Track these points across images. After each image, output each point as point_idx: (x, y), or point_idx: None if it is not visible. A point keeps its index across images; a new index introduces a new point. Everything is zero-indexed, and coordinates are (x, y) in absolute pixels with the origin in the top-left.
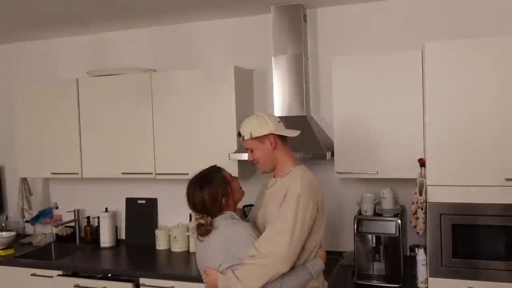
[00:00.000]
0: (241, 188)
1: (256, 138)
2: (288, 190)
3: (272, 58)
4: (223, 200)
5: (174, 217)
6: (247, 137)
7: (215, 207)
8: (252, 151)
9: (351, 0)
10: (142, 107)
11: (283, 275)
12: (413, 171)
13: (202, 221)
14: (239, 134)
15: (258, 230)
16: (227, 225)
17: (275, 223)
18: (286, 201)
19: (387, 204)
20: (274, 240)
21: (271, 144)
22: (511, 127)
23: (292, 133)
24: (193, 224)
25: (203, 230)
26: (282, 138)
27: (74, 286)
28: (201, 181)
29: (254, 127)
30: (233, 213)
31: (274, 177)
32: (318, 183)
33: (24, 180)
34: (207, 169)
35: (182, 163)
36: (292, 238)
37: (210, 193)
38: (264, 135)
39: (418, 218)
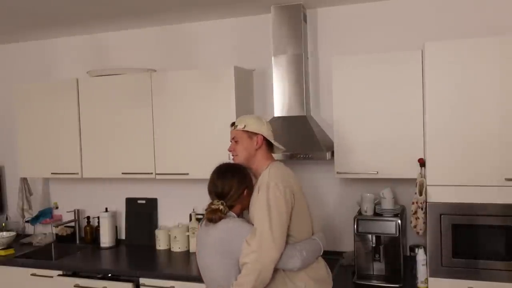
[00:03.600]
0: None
1: (247, 131)
2: (259, 183)
3: (272, 58)
4: (245, 191)
5: (174, 217)
6: (240, 127)
7: (237, 193)
8: (236, 142)
9: (351, 0)
10: (142, 107)
11: (296, 244)
12: (413, 171)
13: (221, 207)
14: (232, 124)
15: None
16: (225, 222)
17: (255, 216)
18: (259, 192)
19: (387, 204)
20: (257, 231)
21: (257, 143)
22: (511, 127)
23: (279, 145)
24: (193, 224)
25: (217, 216)
26: (268, 144)
27: (74, 286)
28: (237, 167)
29: (251, 122)
30: (234, 214)
31: (255, 177)
32: (290, 174)
33: (24, 180)
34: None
35: (182, 163)
36: (271, 225)
37: (240, 176)
38: (255, 133)
39: (418, 218)
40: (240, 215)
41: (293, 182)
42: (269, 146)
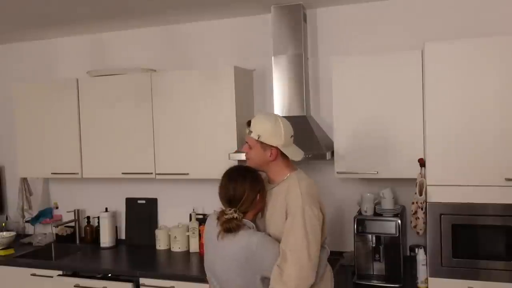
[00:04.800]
0: (261, 208)
1: (261, 142)
2: (288, 202)
3: (272, 58)
4: (258, 196)
5: (174, 217)
6: (253, 135)
7: (250, 198)
8: (250, 148)
9: (351, 0)
10: (142, 107)
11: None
12: (413, 171)
13: (235, 215)
14: (248, 124)
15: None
16: (246, 236)
17: (288, 239)
18: (291, 215)
19: (387, 204)
20: (292, 258)
21: (270, 155)
22: (511, 127)
23: (296, 157)
24: (194, 224)
25: (234, 225)
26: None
27: (74, 286)
28: (247, 169)
29: (266, 133)
30: (253, 224)
31: (269, 182)
32: (314, 185)
33: (24, 180)
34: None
35: (182, 163)
36: (309, 251)
37: (253, 179)
38: (269, 145)
39: (418, 218)
40: (253, 220)
41: (318, 194)
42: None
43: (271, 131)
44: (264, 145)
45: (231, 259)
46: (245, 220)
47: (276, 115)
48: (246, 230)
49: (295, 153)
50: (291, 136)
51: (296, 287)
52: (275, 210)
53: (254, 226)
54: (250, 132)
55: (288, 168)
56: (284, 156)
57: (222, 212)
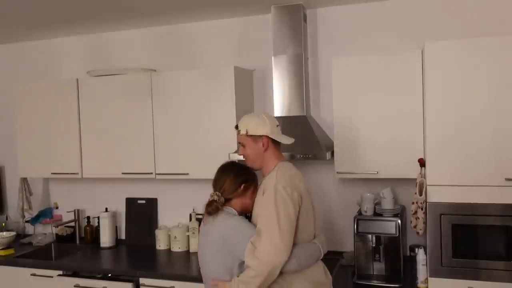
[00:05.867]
0: (252, 204)
1: (251, 136)
2: (265, 185)
3: (272, 58)
4: (242, 186)
5: (174, 217)
6: (242, 132)
7: (231, 186)
8: (244, 146)
9: (351, 0)
10: (142, 107)
11: (294, 249)
12: (413, 171)
13: (216, 197)
14: (236, 127)
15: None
16: (224, 219)
17: (261, 217)
18: (265, 194)
19: (387, 204)
20: (264, 234)
21: (263, 145)
22: (511, 127)
23: (286, 140)
24: (194, 224)
25: (214, 207)
26: (276, 141)
27: (74, 286)
28: (239, 163)
29: (251, 125)
30: (235, 211)
31: (263, 177)
32: (297, 176)
33: (24, 180)
34: None
35: (182, 163)
36: (280, 228)
37: (238, 170)
38: (258, 135)
39: (418, 218)
40: (241, 214)
41: (300, 184)
42: (278, 143)
43: (256, 123)
44: (254, 138)
45: (210, 243)
46: (226, 207)
47: (260, 113)
48: (225, 214)
49: (285, 138)
50: (277, 125)
51: (268, 262)
52: (259, 199)
53: (236, 213)
54: (239, 131)
55: (278, 159)
56: (275, 147)
57: (209, 198)
